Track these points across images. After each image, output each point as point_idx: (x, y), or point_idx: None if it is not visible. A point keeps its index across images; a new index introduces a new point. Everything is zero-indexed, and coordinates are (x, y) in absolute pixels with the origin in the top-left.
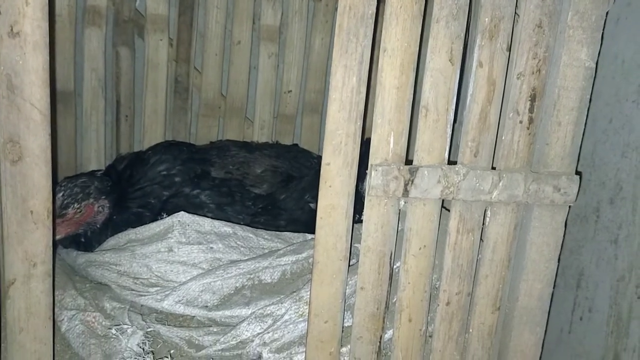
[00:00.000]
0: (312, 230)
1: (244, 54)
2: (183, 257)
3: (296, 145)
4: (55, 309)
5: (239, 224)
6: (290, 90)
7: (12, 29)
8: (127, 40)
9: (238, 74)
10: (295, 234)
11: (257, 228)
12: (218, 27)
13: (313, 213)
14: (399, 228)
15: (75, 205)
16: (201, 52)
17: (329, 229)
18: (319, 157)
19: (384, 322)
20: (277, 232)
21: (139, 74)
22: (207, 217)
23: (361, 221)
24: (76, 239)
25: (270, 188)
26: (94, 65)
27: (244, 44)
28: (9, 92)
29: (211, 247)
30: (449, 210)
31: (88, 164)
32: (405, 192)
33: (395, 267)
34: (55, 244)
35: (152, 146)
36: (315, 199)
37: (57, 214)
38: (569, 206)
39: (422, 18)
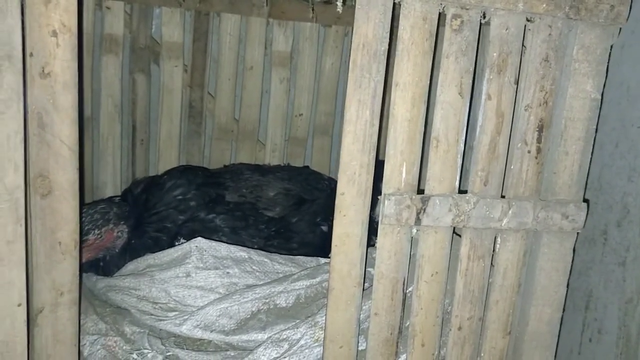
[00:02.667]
0: (323, 253)
1: (256, 79)
2: (200, 282)
3: (307, 167)
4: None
5: (253, 247)
6: (301, 114)
7: (43, 70)
8: (143, 67)
9: (250, 98)
10: (309, 258)
11: (270, 251)
12: (231, 53)
13: (324, 236)
14: (411, 253)
15: (96, 231)
16: (215, 78)
17: (344, 256)
18: (330, 179)
19: (397, 346)
20: (291, 257)
21: (155, 100)
22: (222, 240)
23: (373, 245)
24: (95, 263)
25: (283, 211)
26: (111, 92)
27: (256, 69)
28: (39, 129)
29: (228, 272)
30: (459, 236)
31: (104, 187)
32: (418, 221)
33: (407, 291)
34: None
35: (168, 170)
36: (326, 221)
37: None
38: (577, 232)
39: (432, 54)
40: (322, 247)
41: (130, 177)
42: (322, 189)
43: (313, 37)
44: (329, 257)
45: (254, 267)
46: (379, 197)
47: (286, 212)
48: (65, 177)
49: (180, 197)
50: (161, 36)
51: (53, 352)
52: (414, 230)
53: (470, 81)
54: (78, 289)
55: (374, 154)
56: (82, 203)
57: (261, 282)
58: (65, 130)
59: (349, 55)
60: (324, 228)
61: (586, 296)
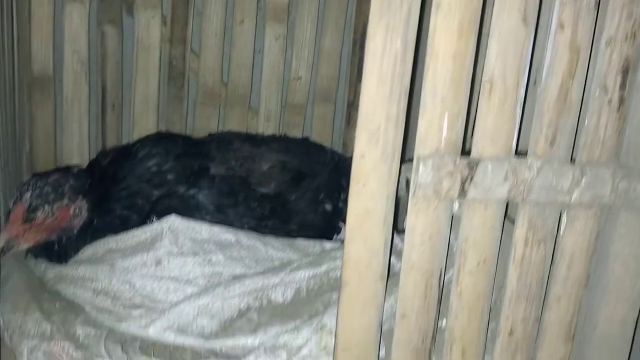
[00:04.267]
0: (327, 237)
1: (247, 36)
2: (174, 272)
3: (307, 139)
4: (14, 337)
5: (243, 228)
6: (300, 77)
7: None
8: (114, 18)
9: (241, 57)
10: (311, 243)
11: (264, 234)
12: (218, 4)
13: (328, 217)
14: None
15: (47, 207)
16: (199, 33)
17: (362, 242)
18: (334, 153)
19: (430, 357)
20: (289, 241)
21: (128, 57)
22: (205, 220)
23: None
24: (49, 248)
25: (279, 187)
26: (76, 47)
27: (248, 24)
28: None
29: (210, 259)
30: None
31: (70, 160)
32: (463, 193)
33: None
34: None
35: (142, 138)
36: (330, 199)
37: (24, 219)
38: None
39: None
40: (325, 229)
41: (100, 149)
42: (324, 163)
43: None
44: (335, 241)
45: (243, 253)
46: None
47: (283, 188)
48: None
49: (155, 169)
50: None
51: None
52: (456, 206)
53: (538, 3)
54: None
55: (405, 103)
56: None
57: (252, 272)
58: None
59: (356, 10)
60: (328, 207)
61: None
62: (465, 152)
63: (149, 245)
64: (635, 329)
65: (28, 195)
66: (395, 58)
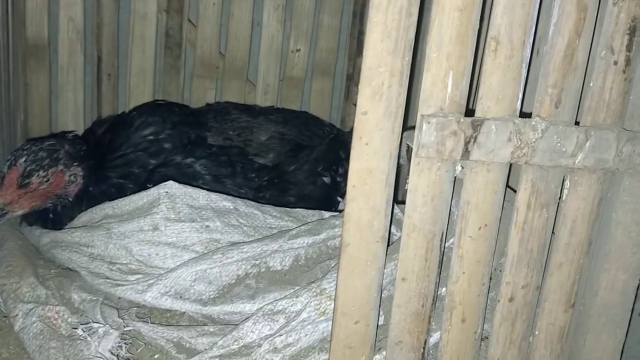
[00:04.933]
0: (325, 208)
1: (246, 5)
2: (171, 238)
3: (305, 112)
4: (9, 302)
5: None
6: (299, 49)
7: None
8: None
9: (239, 28)
10: (310, 212)
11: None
12: None
13: (326, 188)
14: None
15: (41, 172)
16: (196, 2)
17: (364, 200)
18: (332, 126)
19: (429, 322)
20: (288, 209)
21: (124, 26)
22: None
23: None
24: (43, 215)
25: (277, 158)
26: (72, 14)
27: None
28: None
29: (207, 226)
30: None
31: (64, 129)
32: (466, 153)
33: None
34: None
35: (138, 106)
36: (329, 171)
37: (18, 184)
38: None
39: None
40: (323, 201)
41: (95, 119)
42: (322, 135)
43: None
44: (334, 211)
45: (241, 220)
46: None
47: (281, 159)
48: None
49: (151, 137)
50: None
51: None
52: (459, 168)
53: None
54: None
55: (409, 58)
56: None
57: (250, 239)
58: None
59: None
60: (326, 179)
61: None
62: (469, 111)
63: (146, 210)
64: (636, 297)
65: (22, 160)
66: (400, 10)
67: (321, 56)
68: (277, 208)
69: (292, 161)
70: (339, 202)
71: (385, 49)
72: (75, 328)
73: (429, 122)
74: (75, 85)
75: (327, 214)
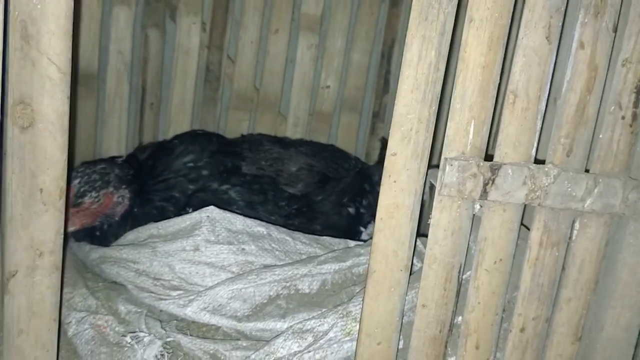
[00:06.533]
0: (349, 237)
1: (281, 44)
2: (211, 258)
3: (332, 145)
4: (63, 310)
5: None
6: (329, 86)
7: None
8: (157, 22)
9: (274, 65)
10: (336, 240)
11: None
12: (255, 14)
13: (351, 219)
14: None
15: (93, 193)
16: (235, 40)
17: (390, 232)
18: (357, 159)
19: (446, 347)
20: (316, 237)
21: (168, 60)
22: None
23: None
24: (91, 232)
25: (306, 188)
26: (121, 48)
27: (282, 33)
28: (23, 42)
29: (243, 249)
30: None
31: (108, 153)
32: (484, 194)
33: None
34: (67, 234)
35: (178, 135)
36: (353, 203)
37: (72, 203)
38: None
39: None
40: (347, 231)
41: (136, 144)
42: (348, 168)
43: (347, 0)
44: (357, 240)
45: (273, 245)
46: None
47: (309, 189)
48: (52, 106)
49: (191, 164)
50: None
51: (27, 327)
52: (477, 206)
53: (561, 23)
54: (61, 251)
55: (435, 107)
56: (72, 160)
57: (281, 263)
58: (55, 46)
59: (385, 24)
60: (351, 210)
61: None
62: (488, 156)
63: (189, 232)
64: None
65: (77, 182)
66: (429, 66)
67: (349, 93)
68: (306, 235)
69: (320, 192)
70: (362, 231)
71: (415, 98)
72: (124, 336)
73: (451, 165)
74: (121, 113)
75: (352, 243)
